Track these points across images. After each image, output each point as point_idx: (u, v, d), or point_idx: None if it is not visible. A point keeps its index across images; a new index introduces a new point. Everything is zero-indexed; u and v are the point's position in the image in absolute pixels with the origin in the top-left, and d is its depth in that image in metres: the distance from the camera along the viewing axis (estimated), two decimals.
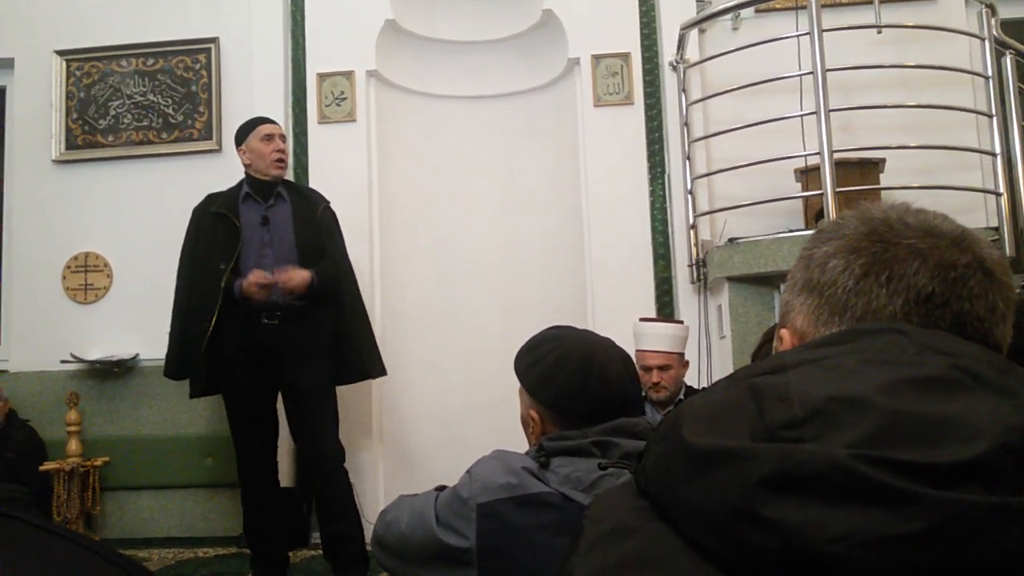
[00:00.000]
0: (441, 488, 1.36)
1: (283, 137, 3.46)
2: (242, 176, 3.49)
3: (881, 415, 0.52)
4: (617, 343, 1.42)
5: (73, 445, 3.97)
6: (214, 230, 3.34)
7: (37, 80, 4.48)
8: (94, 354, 4.22)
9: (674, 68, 4.11)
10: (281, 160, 3.39)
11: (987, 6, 3.68)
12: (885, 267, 0.70)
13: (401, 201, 4.41)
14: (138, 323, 4.28)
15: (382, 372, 3.57)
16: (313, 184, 3.95)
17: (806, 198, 3.67)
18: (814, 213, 3.63)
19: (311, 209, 3.41)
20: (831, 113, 3.35)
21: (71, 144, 4.43)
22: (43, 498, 3.75)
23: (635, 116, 4.20)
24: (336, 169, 4.16)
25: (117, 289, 4.36)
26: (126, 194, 4.40)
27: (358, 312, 3.49)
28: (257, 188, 3.38)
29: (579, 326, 1.51)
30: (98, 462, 4.01)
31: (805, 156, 3.52)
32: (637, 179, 4.16)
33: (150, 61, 4.45)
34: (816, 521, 0.49)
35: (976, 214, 3.84)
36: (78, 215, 4.40)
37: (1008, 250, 3.48)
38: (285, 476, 3.70)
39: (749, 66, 3.78)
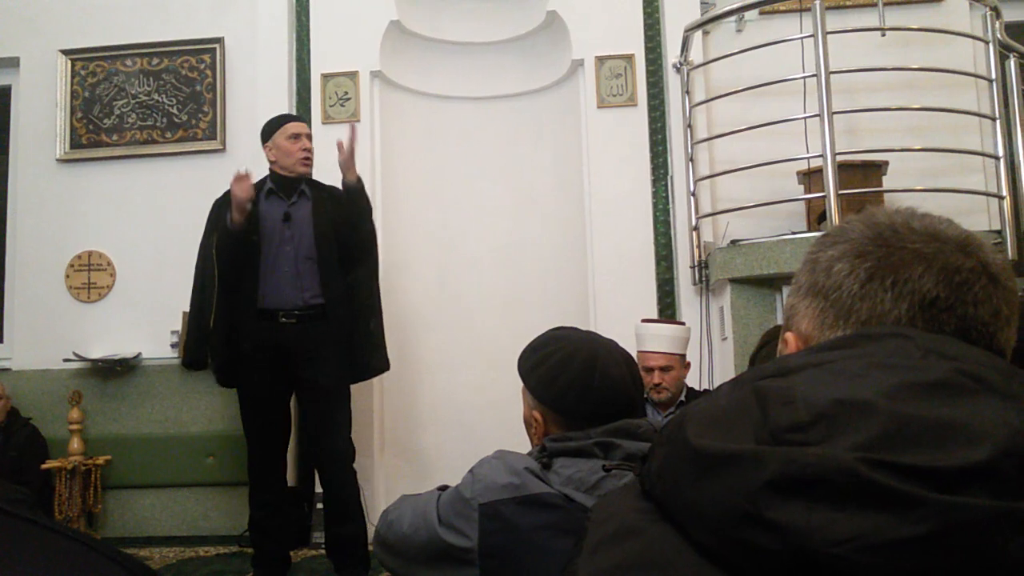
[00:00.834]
0: (443, 488, 1.36)
1: (310, 136, 3.45)
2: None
3: (886, 419, 0.52)
4: (619, 344, 1.42)
5: (75, 443, 3.98)
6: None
7: (42, 79, 4.49)
8: (96, 353, 4.23)
9: (677, 70, 4.11)
10: (307, 159, 3.38)
11: (991, 9, 3.68)
12: (890, 271, 0.70)
13: (405, 201, 4.41)
14: (141, 322, 4.29)
15: (386, 367, 3.53)
16: None
17: (809, 200, 3.67)
18: (816, 215, 3.63)
19: (334, 206, 3.39)
20: (834, 115, 3.35)
21: (75, 143, 4.44)
22: (45, 496, 3.76)
23: (638, 117, 4.20)
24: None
25: (120, 288, 4.36)
26: (130, 193, 4.41)
27: (378, 306, 3.49)
28: (281, 185, 3.37)
29: (581, 327, 1.51)
30: (100, 460, 4.02)
31: (808, 158, 3.53)
32: (640, 180, 4.16)
33: (155, 61, 4.46)
34: (821, 524, 0.49)
35: (979, 217, 3.83)
36: (82, 214, 4.41)
37: (1011, 253, 3.48)
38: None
39: (753, 68, 3.78)
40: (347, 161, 3.21)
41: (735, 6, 3.88)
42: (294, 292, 3.20)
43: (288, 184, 3.37)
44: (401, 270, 4.28)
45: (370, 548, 3.16)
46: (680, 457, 0.58)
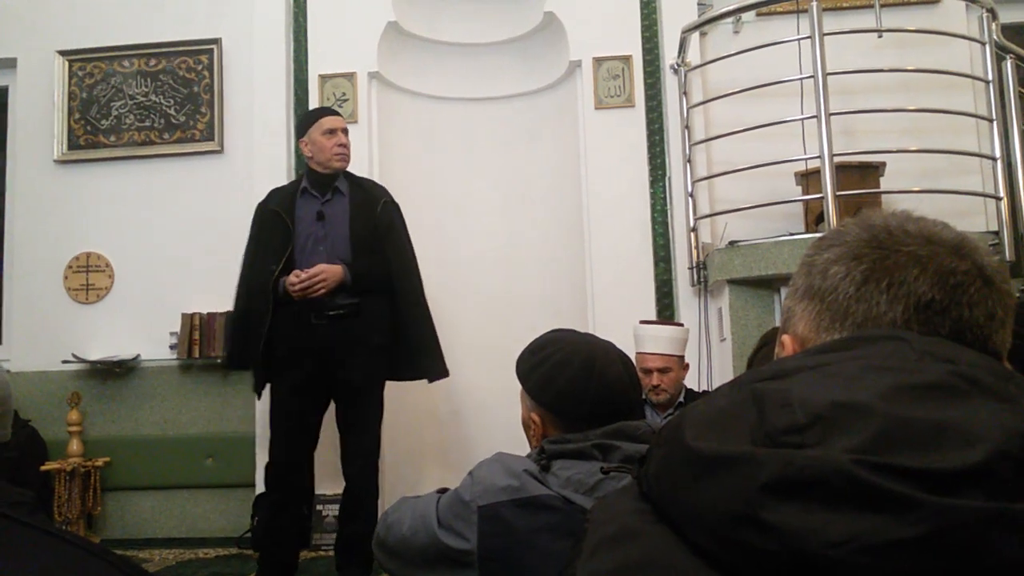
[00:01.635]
0: (443, 490, 1.36)
1: (346, 131, 3.37)
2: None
3: (882, 421, 0.53)
4: (617, 346, 1.43)
5: (74, 445, 3.99)
6: (272, 228, 3.28)
7: (39, 80, 4.49)
8: (95, 354, 4.23)
9: (675, 71, 4.11)
10: (342, 154, 3.31)
11: (988, 10, 3.68)
12: (885, 274, 0.71)
13: (402, 203, 4.38)
14: (139, 323, 4.29)
15: (443, 373, 3.40)
16: None
17: (806, 201, 3.68)
18: (814, 216, 3.64)
19: (371, 204, 3.33)
20: (832, 117, 3.36)
21: (73, 144, 4.44)
22: (44, 498, 3.76)
23: (636, 119, 4.20)
24: None
25: (118, 289, 4.36)
26: (128, 194, 4.41)
27: (417, 309, 3.36)
28: (316, 181, 3.32)
29: (579, 328, 1.52)
30: (99, 462, 4.02)
31: (806, 159, 3.53)
32: (638, 182, 4.16)
33: (152, 62, 4.46)
34: (817, 526, 0.49)
35: (976, 218, 3.84)
36: (80, 215, 4.41)
37: (1008, 254, 3.49)
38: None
39: (750, 69, 3.78)
40: (313, 287, 3.11)
41: (732, 7, 3.89)
42: (327, 293, 3.13)
43: (323, 180, 3.31)
44: None
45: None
46: (677, 459, 0.59)
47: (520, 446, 1.39)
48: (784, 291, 3.48)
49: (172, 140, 4.42)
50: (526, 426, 1.41)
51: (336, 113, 3.49)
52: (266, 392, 3.34)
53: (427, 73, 4.55)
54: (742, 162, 3.74)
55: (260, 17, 4.33)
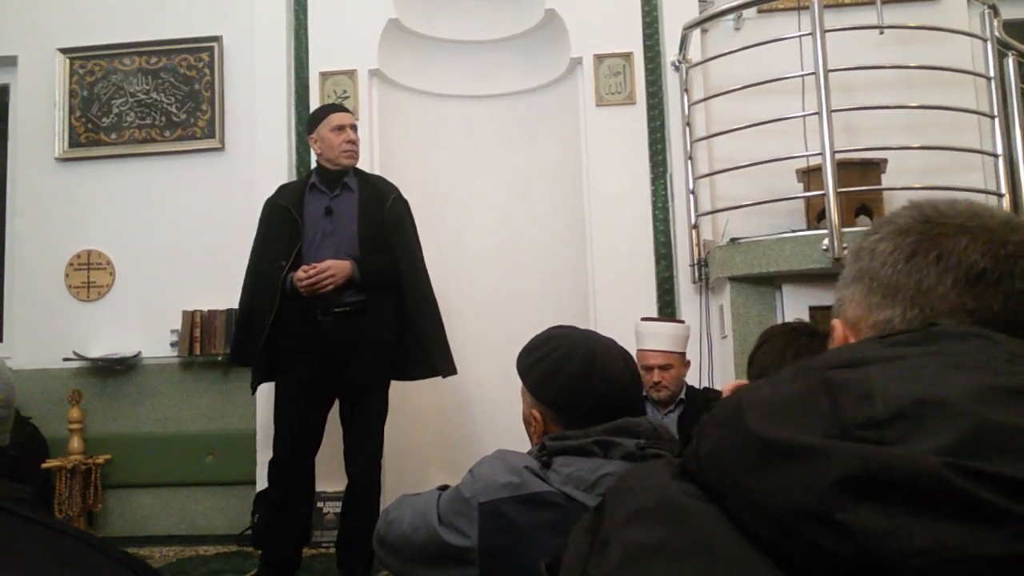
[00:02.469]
0: (443, 487, 1.36)
1: (355, 127, 3.36)
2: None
3: (972, 423, 0.49)
4: (618, 342, 1.42)
5: (75, 443, 3.99)
6: (281, 223, 3.26)
7: (40, 78, 4.49)
8: (96, 352, 4.23)
9: (676, 68, 4.11)
10: (350, 151, 3.30)
11: (989, 7, 3.68)
12: (934, 245, 0.69)
13: None
14: (140, 321, 4.29)
15: (451, 371, 3.39)
16: None
17: (808, 198, 3.68)
18: (816, 213, 3.64)
19: (380, 200, 3.31)
20: (833, 113, 3.35)
21: (74, 142, 4.44)
22: (45, 496, 3.77)
23: (637, 116, 4.20)
24: None
25: (119, 287, 4.37)
26: (129, 192, 4.41)
27: (425, 306, 3.35)
28: (324, 177, 3.31)
29: (581, 325, 1.52)
30: (100, 460, 4.03)
31: (807, 156, 3.53)
32: (639, 179, 4.16)
33: (153, 59, 4.46)
34: (898, 531, 0.46)
35: None
36: (81, 213, 4.41)
37: None
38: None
39: (751, 66, 3.78)
40: (320, 282, 3.10)
41: (733, 4, 3.88)
42: (334, 289, 3.12)
43: (332, 176, 3.30)
44: None
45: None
46: (738, 444, 0.56)
47: (521, 443, 1.39)
48: (786, 288, 3.48)
49: (173, 138, 4.42)
50: (527, 423, 1.41)
51: (345, 110, 3.47)
52: (271, 389, 3.33)
53: (428, 70, 4.55)
54: (743, 159, 3.73)
55: (261, 15, 4.32)
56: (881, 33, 3.61)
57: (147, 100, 4.44)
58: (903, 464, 0.47)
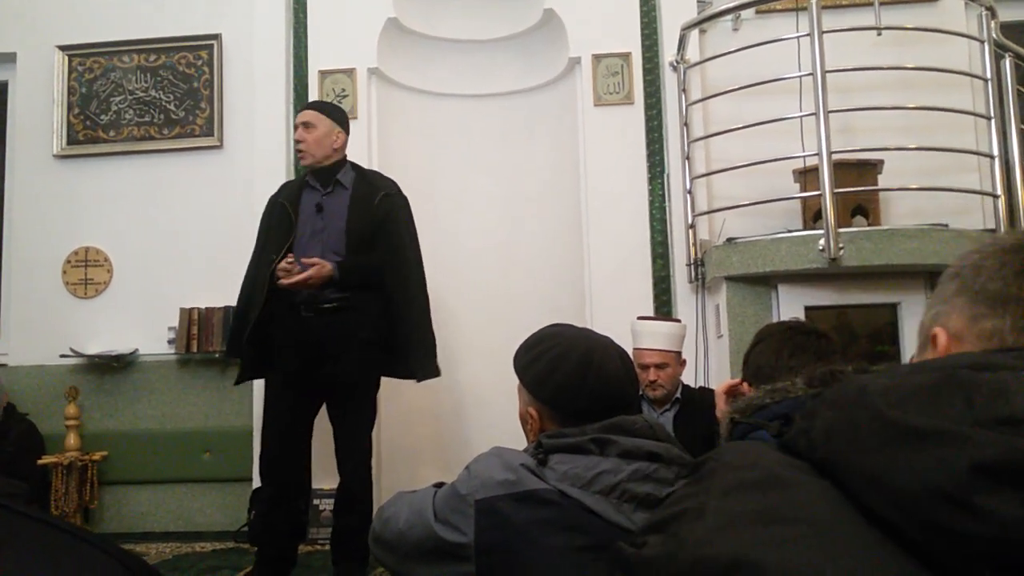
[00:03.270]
0: (439, 485, 1.36)
1: (306, 124, 3.27)
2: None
3: None
4: (615, 341, 1.43)
5: (72, 439, 3.99)
6: (279, 220, 3.26)
7: (39, 75, 4.49)
8: (93, 348, 4.24)
9: (674, 68, 4.12)
10: (299, 151, 3.28)
11: (987, 9, 3.69)
12: None
13: None
14: (138, 318, 4.30)
15: (430, 374, 3.32)
16: None
17: (804, 199, 3.68)
18: (812, 214, 3.65)
19: (371, 196, 3.26)
20: (830, 114, 3.36)
21: (72, 139, 4.45)
22: (41, 492, 3.77)
23: (635, 116, 4.21)
24: None
25: (117, 284, 4.37)
26: (127, 189, 4.41)
27: (408, 306, 3.28)
28: (316, 175, 3.28)
29: (577, 324, 1.52)
30: (96, 456, 4.03)
31: (804, 157, 3.53)
32: (636, 178, 4.17)
33: (152, 57, 4.46)
34: None
35: (973, 216, 3.85)
36: (79, 210, 4.41)
37: None
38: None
39: (749, 67, 3.79)
40: (299, 282, 3.06)
41: (732, 5, 3.89)
42: (318, 287, 3.11)
43: (321, 173, 3.27)
44: None
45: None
46: (867, 425, 0.56)
47: (518, 441, 1.40)
48: (782, 288, 3.49)
49: (171, 135, 4.42)
50: (523, 420, 1.41)
51: (305, 106, 3.41)
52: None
53: (427, 69, 4.56)
54: (740, 159, 3.74)
55: (260, 13, 4.33)
56: (879, 34, 3.62)
57: (146, 98, 4.44)
58: None
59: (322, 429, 3.33)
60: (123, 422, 4.23)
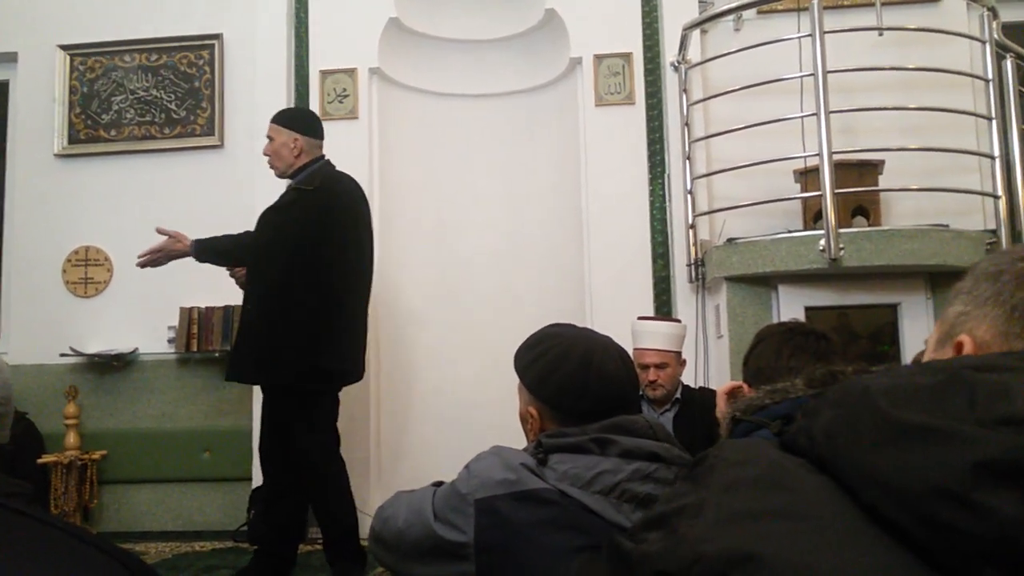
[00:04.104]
0: (439, 484, 1.36)
1: (269, 138, 3.31)
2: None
3: None
4: (615, 341, 1.43)
5: (71, 438, 3.99)
6: None
7: (40, 74, 4.49)
8: (93, 348, 4.24)
9: (675, 68, 4.11)
10: (269, 161, 3.34)
11: (988, 9, 3.69)
12: None
13: (402, 199, 4.42)
14: (138, 317, 4.29)
15: (236, 377, 3.20)
16: None
17: (805, 199, 3.68)
18: (813, 214, 3.64)
19: (289, 191, 3.29)
20: (831, 115, 3.36)
21: (73, 138, 4.45)
22: (41, 491, 3.77)
23: (636, 116, 4.21)
24: (338, 166, 4.16)
25: (117, 283, 4.37)
26: (128, 189, 4.41)
27: (257, 305, 3.14)
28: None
29: (577, 324, 1.52)
30: (96, 455, 4.03)
31: (804, 157, 3.53)
32: (637, 179, 4.17)
33: (153, 56, 4.46)
34: None
35: (974, 216, 3.85)
36: (79, 209, 4.41)
37: None
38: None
39: (750, 67, 3.79)
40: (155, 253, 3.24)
41: (733, 5, 3.89)
42: (244, 292, 3.23)
43: (291, 180, 3.34)
44: (398, 267, 4.29)
45: (363, 543, 3.14)
46: (868, 423, 0.56)
47: (517, 442, 1.39)
48: (783, 288, 3.48)
49: (172, 135, 4.42)
50: (524, 420, 1.41)
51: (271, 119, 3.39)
52: None
53: (428, 69, 4.56)
54: (741, 159, 3.74)
55: (262, 13, 4.33)
56: (880, 35, 3.62)
57: (147, 97, 4.44)
58: None
59: None
60: (123, 421, 4.22)
